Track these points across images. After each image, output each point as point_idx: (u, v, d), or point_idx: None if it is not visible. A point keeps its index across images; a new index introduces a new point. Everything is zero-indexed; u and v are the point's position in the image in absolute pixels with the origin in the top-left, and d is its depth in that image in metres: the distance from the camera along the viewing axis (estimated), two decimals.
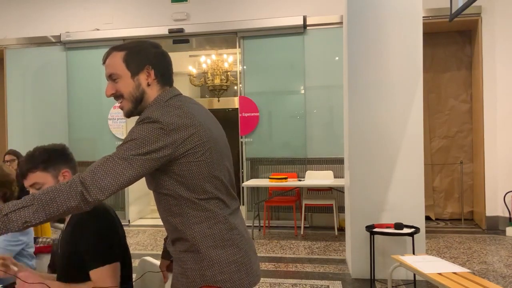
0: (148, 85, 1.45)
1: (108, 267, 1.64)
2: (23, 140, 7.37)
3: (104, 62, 1.48)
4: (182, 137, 1.33)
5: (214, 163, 1.40)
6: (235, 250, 1.41)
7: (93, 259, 1.64)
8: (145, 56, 1.46)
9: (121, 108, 1.49)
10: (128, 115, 1.49)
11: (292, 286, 3.95)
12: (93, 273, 1.63)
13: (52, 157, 1.75)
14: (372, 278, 3.82)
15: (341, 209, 5.86)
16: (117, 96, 1.46)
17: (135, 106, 1.46)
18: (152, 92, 1.46)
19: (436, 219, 6.84)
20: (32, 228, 2.35)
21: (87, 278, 1.65)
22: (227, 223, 1.42)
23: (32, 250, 2.34)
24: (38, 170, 1.72)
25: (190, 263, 1.39)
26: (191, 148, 1.34)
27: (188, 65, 8.16)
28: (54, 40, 7.37)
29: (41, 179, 1.72)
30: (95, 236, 1.66)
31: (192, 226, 1.38)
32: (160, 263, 1.85)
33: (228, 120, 7.93)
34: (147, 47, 1.48)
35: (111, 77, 1.46)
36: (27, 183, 1.73)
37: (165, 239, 1.75)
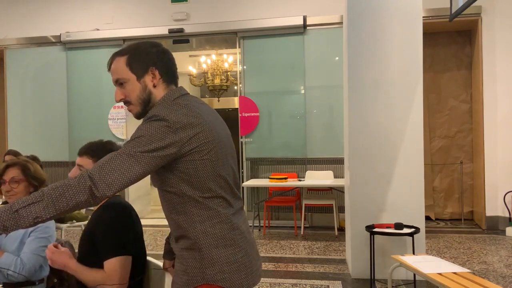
0: (154, 86, 1.47)
1: (119, 258, 1.75)
2: (23, 140, 7.36)
3: (109, 69, 1.50)
4: (188, 135, 1.34)
5: (219, 162, 1.41)
6: (236, 250, 1.42)
7: (106, 249, 1.77)
8: (147, 57, 1.47)
9: (130, 111, 1.51)
10: (138, 117, 1.51)
11: (292, 286, 3.95)
12: (105, 263, 1.76)
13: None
14: (372, 278, 3.82)
15: (341, 209, 5.86)
16: (126, 101, 1.49)
17: (144, 108, 1.48)
18: (159, 92, 1.48)
19: (436, 219, 6.84)
20: (54, 232, 2.34)
21: (101, 267, 1.77)
22: (230, 222, 1.42)
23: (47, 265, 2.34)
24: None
25: (191, 261, 1.40)
26: (197, 146, 1.35)
27: (188, 65, 8.17)
28: (54, 40, 7.37)
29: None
30: (110, 228, 1.79)
31: (195, 224, 1.39)
32: (164, 263, 1.86)
33: (228, 120, 7.91)
34: (147, 47, 1.49)
35: (118, 82, 1.47)
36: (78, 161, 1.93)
37: (167, 239, 1.76)
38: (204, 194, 1.39)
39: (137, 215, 1.95)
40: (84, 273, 1.77)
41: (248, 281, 1.43)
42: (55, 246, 1.81)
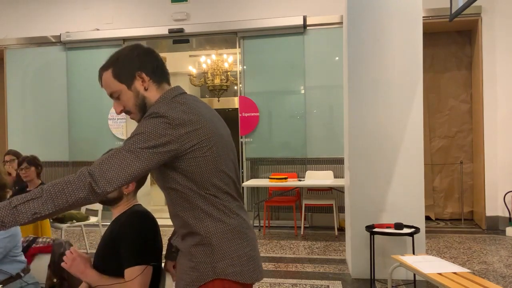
0: (146, 89, 1.47)
1: (140, 268, 1.69)
2: (23, 140, 7.36)
3: (101, 85, 1.51)
4: (187, 131, 1.34)
5: (221, 158, 1.42)
6: (245, 243, 1.43)
7: (130, 257, 1.71)
8: (130, 63, 1.46)
9: (133, 119, 1.52)
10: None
11: (292, 286, 3.95)
12: (126, 271, 1.70)
13: None
14: (372, 278, 3.82)
15: (341, 209, 5.86)
16: (127, 111, 1.50)
17: (143, 114, 1.48)
18: (152, 94, 1.48)
19: (436, 219, 6.84)
20: (19, 232, 2.36)
21: (120, 274, 1.72)
22: (237, 216, 1.44)
23: (20, 256, 2.37)
24: None
25: (201, 257, 1.41)
26: (197, 143, 1.36)
27: (188, 65, 8.17)
28: (54, 40, 7.37)
29: None
30: (137, 235, 1.73)
31: (204, 219, 1.40)
32: (166, 264, 1.85)
33: (228, 120, 7.89)
34: (128, 53, 1.48)
35: (113, 96, 1.49)
36: None
37: (170, 239, 1.76)
38: (210, 191, 1.40)
39: (157, 224, 1.89)
40: (102, 281, 1.72)
41: (256, 274, 1.45)
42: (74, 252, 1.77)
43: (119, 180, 1.28)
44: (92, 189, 1.26)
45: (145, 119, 1.36)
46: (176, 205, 1.43)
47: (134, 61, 1.46)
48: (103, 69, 1.49)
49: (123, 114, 1.53)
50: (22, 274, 2.35)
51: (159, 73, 1.50)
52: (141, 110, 1.47)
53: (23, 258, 2.41)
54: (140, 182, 1.93)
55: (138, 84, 1.46)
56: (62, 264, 1.76)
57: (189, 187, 1.38)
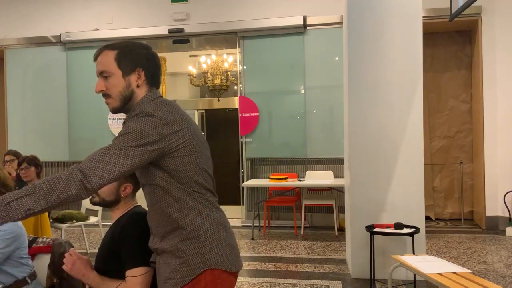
0: (138, 86, 1.52)
1: (144, 269, 1.70)
2: (23, 140, 7.36)
3: (95, 60, 1.53)
4: (174, 131, 1.41)
5: (203, 156, 1.50)
6: (228, 234, 1.52)
7: (130, 259, 1.71)
8: (136, 57, 1.51)
9: (107, 104, 1.54)
10: (114, 111, 1.55)
11: (292, 286, 3.95)
12: (128, 273, 1.71)
13: None
14: (372, 278, 3.82)
15: (341, 209, 5.86)
16: (105, 94, 1.51)
17: (123, 105, 1.52)
18: (141, 92, 1.53)
19: (436, 219, 6.84)
20: (25, 234, 2.34)
21: (122, 276, 1.72)
22: (218, 210, 1.54)
23: (27, 259, 2.35)
24: None
25: (190, 251, 1.45)
26: (182, 142, 1.42)
27: (188, 65, 8.17)
28: (54, 40, 7.37)
29: None
30: (138, 237, 1.74)
31: (190, 213, 1.45)
32: None
33: (228, 120, 7.92)
34: (137, 48, 1.54)
35: (102, 74, 1.51)
36: None
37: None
38: (193, 187, 1.46)
39: None
40: (103, 283, 1.72)
41: (239, 263, 1.54)
42: (74, 254, 1.77)
43: (110, 176, 1.33)
44: (83, 186, 1.30)
45: (134, 118, 1.40)
46: (161, 202, 1.47)
47: (140, 57, 1.52)
48: (108, 47, 1.52)
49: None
50: (29, 281, 2.30)
51: (156, 80, 1.57)
52: (123, 100, 1.51)
53: (30, 262, 2.37)
54: (138, 184, 1.93)
55: (133, 78, 1.50)
56: (63, 266, 1.76)
57: (174, 184, 1.44)
